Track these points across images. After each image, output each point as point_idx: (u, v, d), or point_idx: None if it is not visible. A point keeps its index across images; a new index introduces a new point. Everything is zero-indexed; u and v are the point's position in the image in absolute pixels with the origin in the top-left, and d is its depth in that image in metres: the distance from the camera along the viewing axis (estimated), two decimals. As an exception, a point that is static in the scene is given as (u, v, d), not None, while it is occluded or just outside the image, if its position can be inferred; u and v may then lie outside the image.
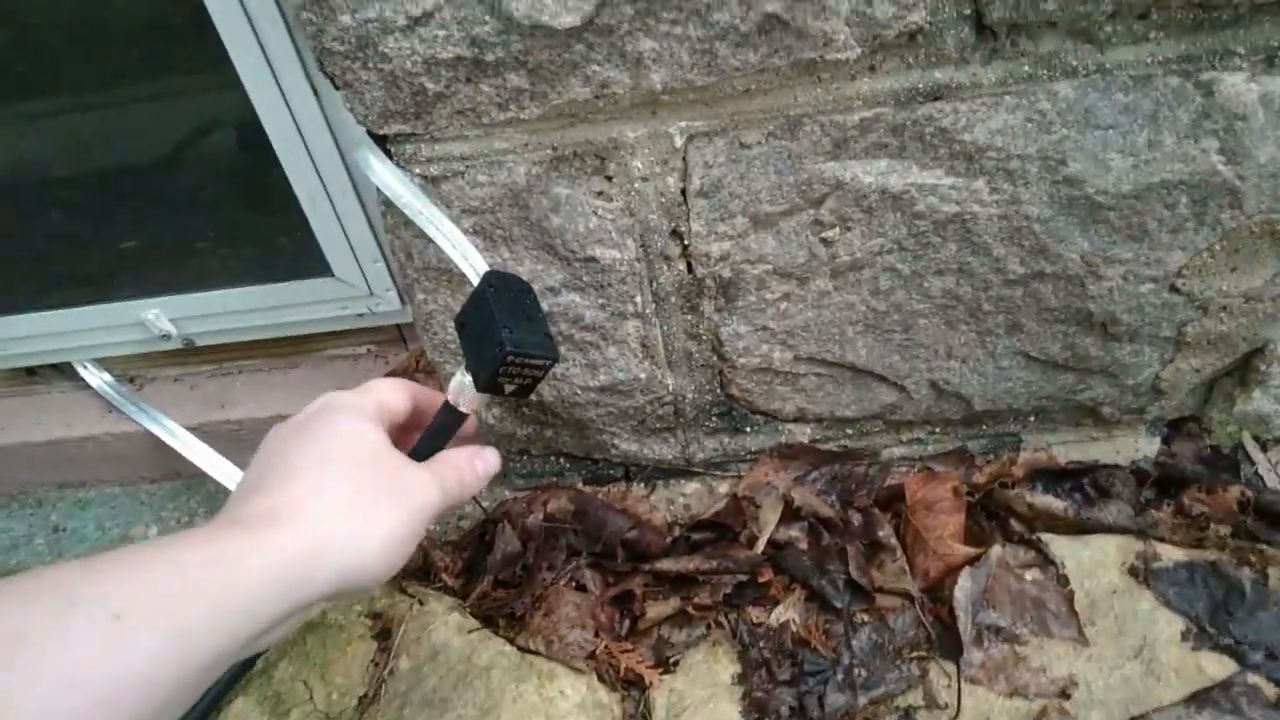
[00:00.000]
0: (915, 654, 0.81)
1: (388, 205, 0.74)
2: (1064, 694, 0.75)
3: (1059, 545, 0.83)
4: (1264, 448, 0.89)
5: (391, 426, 0.59)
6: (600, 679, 0.84)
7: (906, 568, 0.85)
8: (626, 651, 0.85)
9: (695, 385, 0.89)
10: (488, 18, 0.61)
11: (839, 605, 0.84)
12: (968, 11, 0.61)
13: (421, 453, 0.60)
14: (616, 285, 0.78)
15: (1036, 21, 0.61)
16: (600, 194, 0.72)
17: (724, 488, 0.99)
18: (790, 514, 0.91)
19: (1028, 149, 0.67)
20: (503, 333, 0.61)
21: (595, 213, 0.73)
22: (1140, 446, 0.92)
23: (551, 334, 0.66)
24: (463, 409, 0.63)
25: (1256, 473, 0.87)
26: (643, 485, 1.02)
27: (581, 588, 0.92)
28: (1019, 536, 0.86)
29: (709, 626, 0.86)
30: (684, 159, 0.70)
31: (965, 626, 0.79)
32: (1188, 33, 0.61)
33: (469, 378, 0.62)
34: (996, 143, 0.67)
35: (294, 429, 0.54)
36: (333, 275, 0.98)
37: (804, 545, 0.89)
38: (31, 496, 1.28)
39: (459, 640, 0.87)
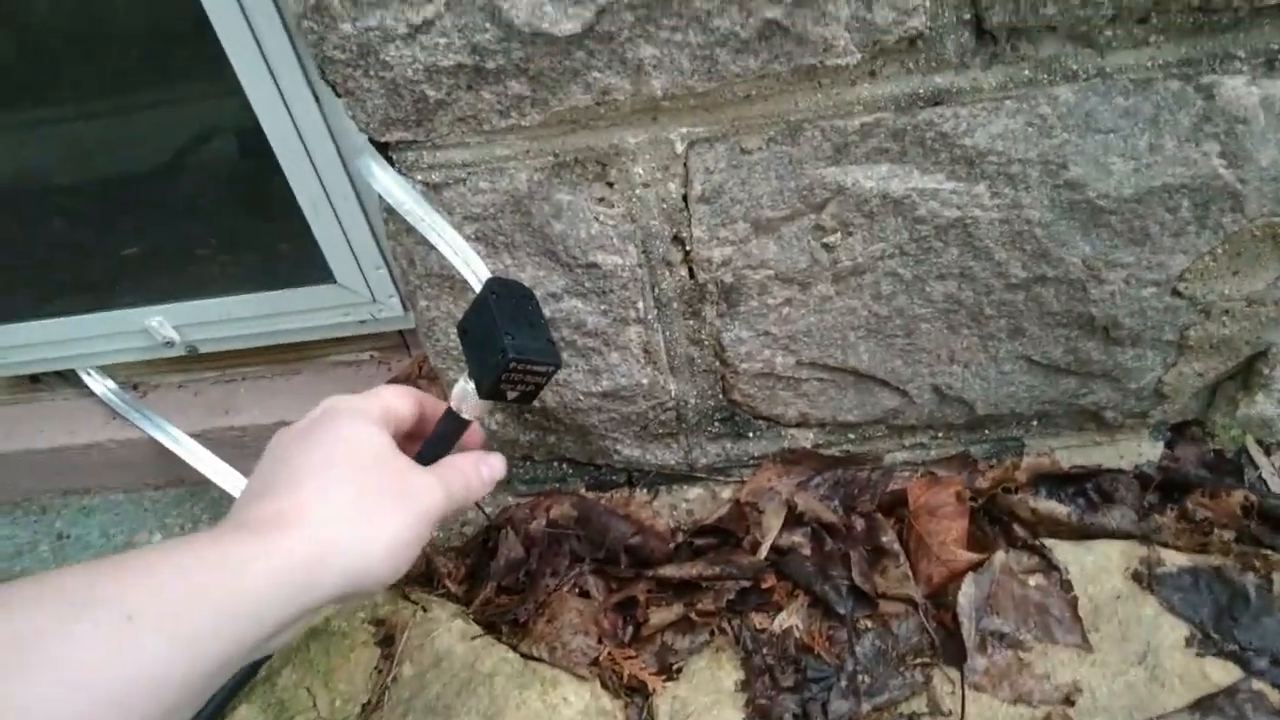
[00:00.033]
0: (919, 660, 0.80)
1: (390, 212, 0.74)
2: (1068, 700, 0.74)
3: (1062, 550, 0.83)
4: (1268, 451, 0.88)
5: (398, 432, 0.59)
6: (603, 686, 0.84)
7: (910, 573, 0.85)
8: (630, 658, 0.85)
9: (698, 390, 0.89)
10: (488, 25, 0.61)
11: (842, 611, 0.84)
12: (967, 16, 0.61)
13: (425, 459, 0.60)
14: (618, 291, 0.78)
15: (1036, 26, 0.61)
16: (602, 200, 0.73)
17: (727, 493, 0.99)
18: (793, 519, 0.91)
19: (1028, 153, 0.67)
20: (505, 339, 0.61)
21: (597, 219, 0.73)
22: (1143, 450, 0.92)
23: (554, 340, 0.67)
24: (465, 415, 0.63)
25: (1260, 477, 0.86)
26: (645, 491, 1.02)
27: (585, 594, 0.92)
28: (1022, 542, 0.85)
29: (712, 633, 0.86)
30: (685, 165, 0.70)
31: (969, 632, 0.78)
32: (1188, 36, 0.61)
33: (472, 384, 0.62)
34: (997, 147, 0.67)
35: (299, 433, 0.54)
36: (335, 282, 0.99)
37: (807, 551, 0.89)
38: (36, 503, 1.28)
39: (462, 647, 0.87)
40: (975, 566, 0.82)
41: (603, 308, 0.80)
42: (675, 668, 0.85)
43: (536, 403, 0.84)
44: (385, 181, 0.72)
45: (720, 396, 0.90)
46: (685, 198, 0.72)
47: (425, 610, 0.92)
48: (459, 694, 0.83)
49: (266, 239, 0.99)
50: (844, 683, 0.80)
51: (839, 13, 0.60)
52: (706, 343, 0.84)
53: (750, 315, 0.80)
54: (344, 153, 0.86)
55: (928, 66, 0.64)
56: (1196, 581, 0.79)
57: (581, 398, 0.88)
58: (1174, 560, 0.81)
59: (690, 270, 0.77)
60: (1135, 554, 0.82)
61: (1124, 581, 0.80)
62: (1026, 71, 0.64)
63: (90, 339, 1.09)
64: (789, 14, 0.59)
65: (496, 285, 0.66)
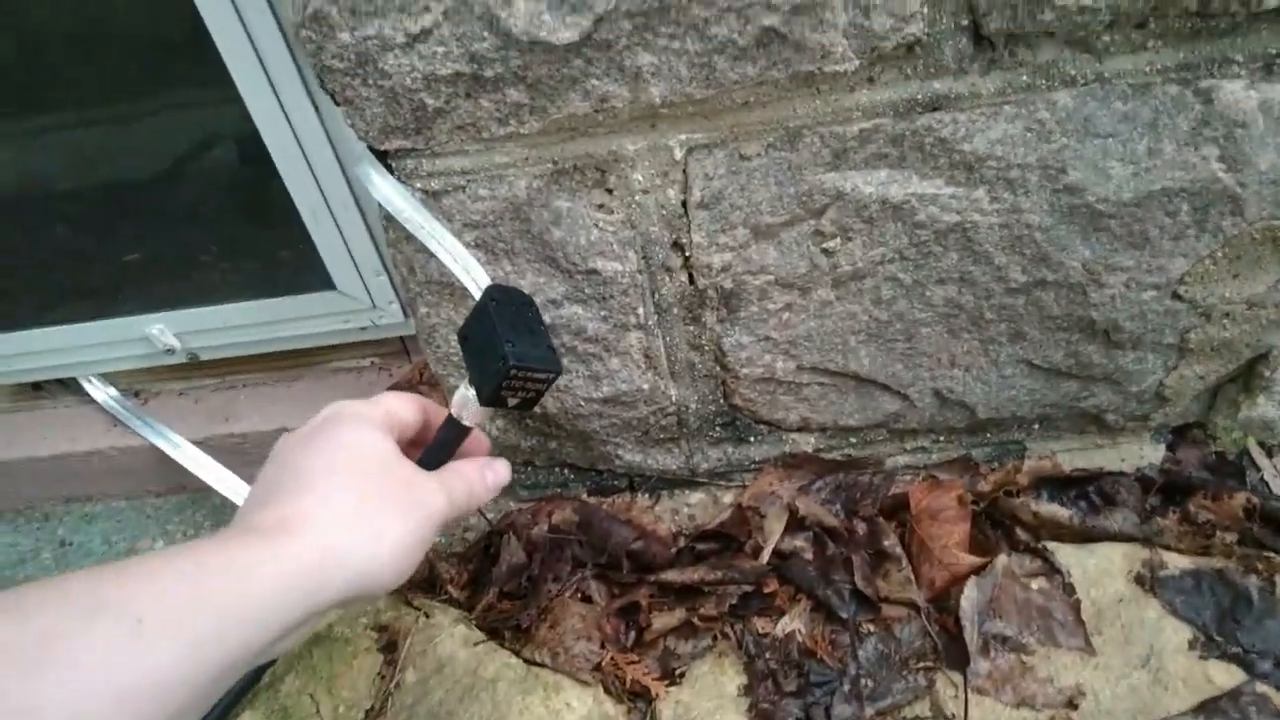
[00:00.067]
0: (922, 664, 0.80)
1: (389, 220, 0.74)
2: (1071, 704, 0.74)
3: (1065, 554, 0.83)
4: (1269, 453, 0.88)
5: (402, 439, 0.59)
6: (606, 691, 0.84)
7: (912, 577, 0.85)
8: (632, 663, 0.85)
9: (698, 395, 0.89)
10: (486, 34, 0.61)
11: (845, 616, 0.84)
12: (965, 22, 0.61)
13: (428, 465, 0.60)
14: (618, 297, 0.78)
15: (1034, 32, 0.61)
16: (601, 207, 0.73)
17: (728, 498, 0.99)
18: (795, 524, 0.91)
19: (1027, 158, 0.67)
20: (505, 346, 0.61)
21: (596, 225, 0.73)
22: (1145, 453, 0.92)
23: (554, 347, 0.67)
24: (466, 423, 0.63)
25: (1262, 479, 0.86)
26: (647, 496, 1.02)
27: (587, 599, 0.92)
28: (1024, 545, 0.85)
29: (715, 638, 0.86)
30: (684, 171, 0.70)
31: (971, 636, 0.78)
32: (1185, 41, 0.61)
33: (472, 391, 0.62)
34: (996, 152, 0.67)
35: (302, 439, 0.54)
36: (335, 289, 0.99)
37: (809, 555, 0.89)
38: (38, 511, 1.28)
39: (465, 653, 0.87)
40: (977, 570, 0.82)
41: (603, 314, 0.80)
42: (678, 673, 0.85)
43: (537, 409, 0.85)
44: (384, 189, 0.72)
45: (721, 401, 0.90)
46: (685, 204, 0.72)
47: (428, 616, 0.92)
48: (462, 700, 0.83)
49: (266, 246, 0.99)
50: (847, 687, 0.80)
51: (836, 20, 0.60)
52: (707, 348, 0.84)
53: (750, 320, 0.80)
54: (343, 160, 0.86)
55: (926, 72, 0.64)
56: (1199, 584, 0.79)
57: (582, 403, 0.88)
58: (1176, 563, 0.81)
59: (690, 276, 0.77)
60: (1137, 557, 0.81)
61: (1126, 584, 0.80)
62: (1025, 77, 0.64)
63: (91, 347, 1.10)
64: (786, 21, 0.59)
65: (496, 292, 0.66)
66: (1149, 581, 0.80)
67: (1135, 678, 0.75)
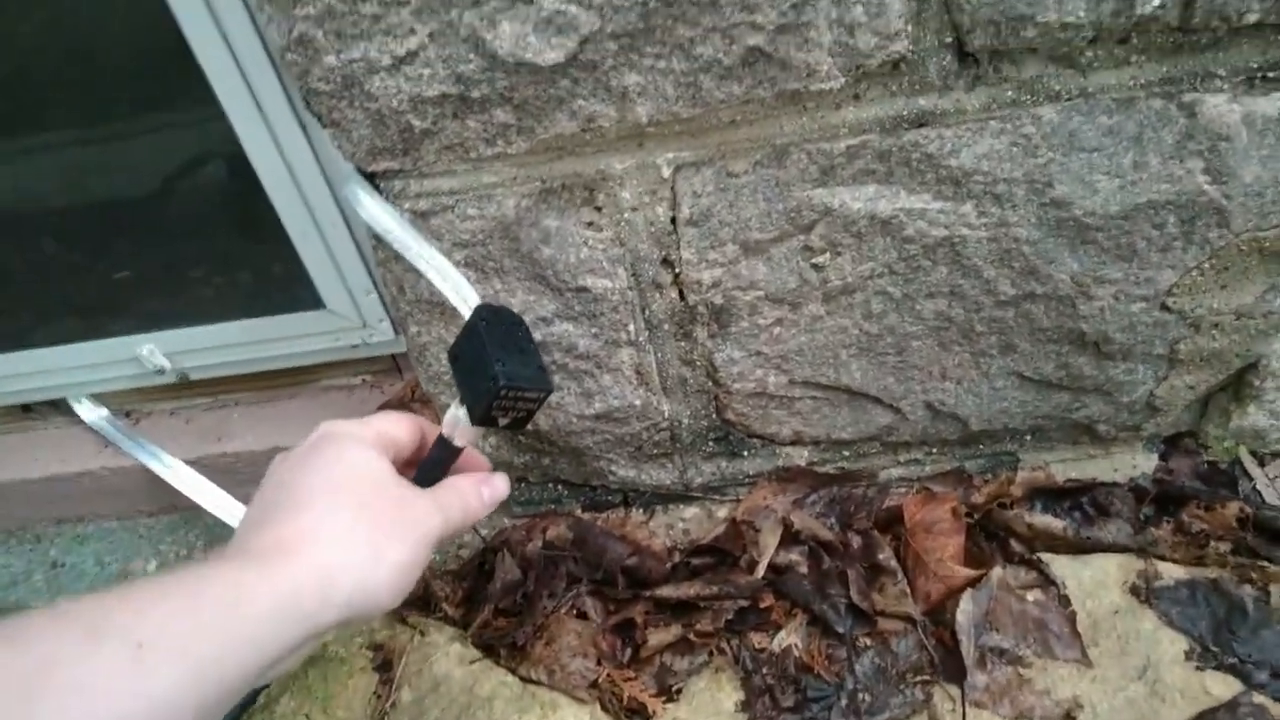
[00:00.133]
0: (919, 678, 0.80)
1: (378, 240, 0.74)
2: (1069, 717, 0.74)
3: (1060, 565, 0.83)
4: (1261, 462, 0.88)
5: (397, 458, 0.59)
6: (603, 708, 0.83)
7: (908, 590, 0.85)
8: (629, 680, 0.85)
9: (691, 410, 0.89)
10: (472, 56, 0.61)
11: (841, 630, 0.84)
12: (949, 40, 0.61)
13: (421, 484, 0.60)
14: (609, 314, 0.78)
15: (1018, 48, 0.61)
16: (590, 224, 0.73)
17: (723, 512, 0.99)
18: (790, 537, 0.91)
19: (1014, 172, 0.67)
20: (495, 366, 0.61)
21: (586, 243, 0.73)
22: (1138, 463, 0.92)
23: (545, 365, 0.66)
24: (458, 443, 0.62)
25: (1255, 488, 0.86)
26: (641, 511, 1.01)
27: (583, 616, 0.91)
28: (1019, 557, 0.85)
29: (711, 653, 0.86)
30: (672, 189, 0.70)
31: (968, 649, 0.78)
32: (1168, 56, 0.62)
33: (463, 411, 0.62)
34: (983, 167, 0.67)
35: (296, 460, 0.54)
36: (325, 308, 0.98)
37: (804, 569, 0.89)
38: (30, 533, 1.27)
39: (460, 671, 0.87)
40: (973, 582, 0.82)
41: (594, 331, 0.80)
42: (675, 689, 0.84)
43: (530, 426, 0.84)
44: (373, 210, 0.72)
45: (714, 416, 0.90)
46: (674, 221, 0.72)
47: (423, 634, 0.92)
48: (458, 719, 0.83)
49: (256, 266, 0.99)
50: (844, 702, 0.80)
51: (821, 39, 0.60)
52: (699, 363, 0.84)
53: (741, 336, 0.80)
54: (332, 181, 0.86)
55: (911, 89, 0.64)
56: (1194, 594, 0.79)
57: (575, 420, 0.88)
58: (1171, 573, 0.81)
59: (680, 292, 0.77)
60: (1132, 567, 0.81)
61: (1122, 595, 0.80)
62: (1009, 92, 0.64)
63: (81, 368, 1.09)
64: (771, 41, 0.60)
65: (486, 312, 0.66)
66: (1144, 592, 0.80)
67: (1132, 689, 0.75)
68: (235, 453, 1.12)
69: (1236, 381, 0.84)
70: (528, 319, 0.75)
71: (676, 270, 0.76)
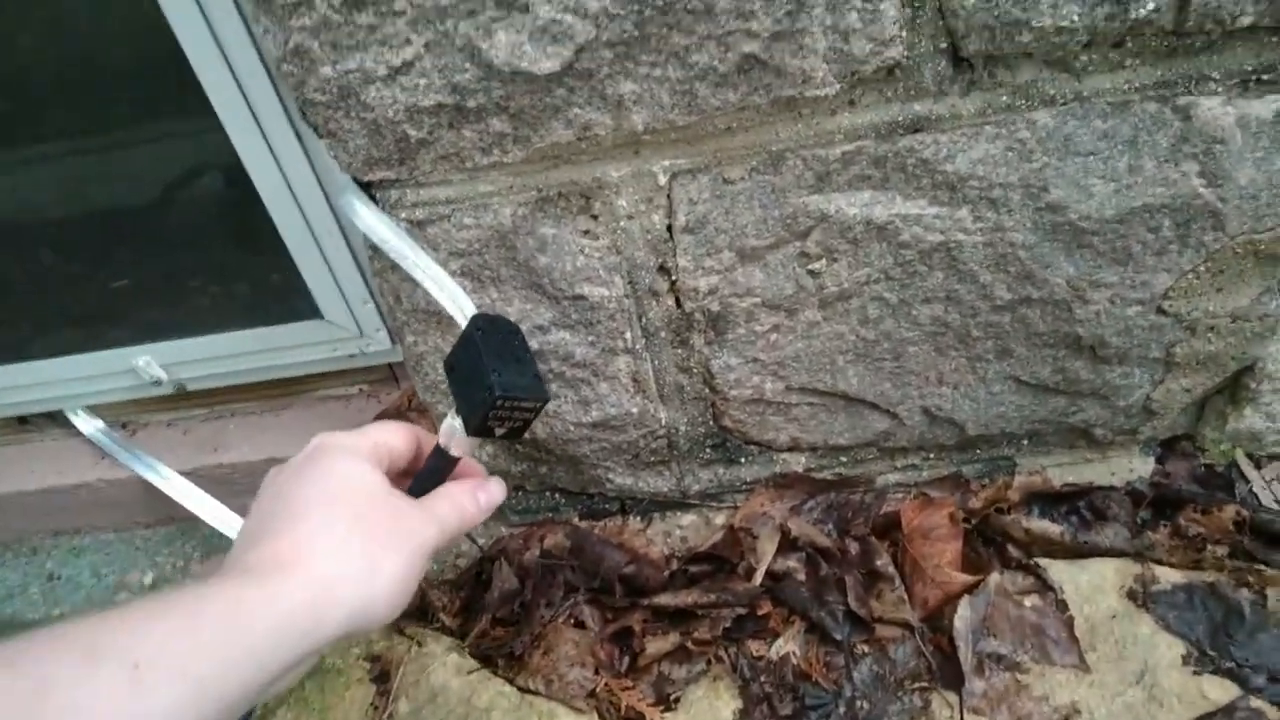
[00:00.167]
0: (917, 685, 0.80)
1: (375, 249, 0.74)
2: (1068, 722, 0.74)
3: (1057, 570, 0.83)
4: (1258, 465, 0.88)
5: (392, 469, 0.59)
6: (601, 718, 0.83)
7: (905, 597, 0.84)
8: (627, 689, 0.84)
9: (688, 418, 0.89)
10: (468, 65, 0.61)
11: (839, 637, 0.83)
12: (944, 45, 0.61)
13: (416, 495, 0.60)
14: (605, 322, 0.78)
15: (1012, 53, 0.61)
16: (586, 233, 0.73)
17: (720, 519, 0.98)
18: (787, 544, 0.90)
19: (1009, 177, 0.67)
20: (491, 376, 0.61)
21: (582, 251, 0.74)
22: (1135, 467, 0.92)
23: (541, 375, 0.67)
24: (454, 453, 0.62)
25: (1251, 491, 0.86)
26: (639, 519, 1.01)
27: (580, 624, 0.91)
28: (1017, 562, 0.85)
29: (709, 661, 0.85)
30: (669, 196, 0.70)
31: (966, 656, 0.78)
32: (1163, 59, 0.62)
33: (459, 421, 0.62)
34: (978, 172, 0.67)
35: (291, 473, 0.55)
36: (322, 317, 0.98)
37: (802, 576, 0.89)
38: (26, 545, 1.27)
39: (458, 681, 0.87)
40: (970, 588, 0.82)
41: (590, 339, 0.80)
42: (673, 698, 0.84)
43: (527, 435, 0.84)
44: (369, 219, 0.72)
45: (711, 423, 0.90)
46: (670, 228, 0.72)
47: (420, 645, 0.91)
48: (455, 731, 0.82)
49: (253, 276, 0.99)
50: (842, 709, 0.79)
51: (816, 45, 0.60)
52: (695, 370, 0.84)
53: (738, 342, 0.80)
54: (328, 190, 0.86)
55: (906, 95, 0.64)
56: (1191, 598, 0.79)
57: (572, 428, 0.88)
58: (1168, 577, 0.80)
59: (677, 299, 0.78)
60: (1130, 572, 0.81)
61: (1119, 600, 0.80)
62: (1004, 97, 0.64)
63: (78, 379, 1.09)
64: (766, 48, 0.60)
65: (482, 321, 0.66)
66: (1141, 597, 0.79)
67: (1130, 695, 0.75)
68: (232, 463, 1.12)
69: (1233, 384, 0.85)
70: (524, 327, 0.75)
71: (673, 278, 0.76)
